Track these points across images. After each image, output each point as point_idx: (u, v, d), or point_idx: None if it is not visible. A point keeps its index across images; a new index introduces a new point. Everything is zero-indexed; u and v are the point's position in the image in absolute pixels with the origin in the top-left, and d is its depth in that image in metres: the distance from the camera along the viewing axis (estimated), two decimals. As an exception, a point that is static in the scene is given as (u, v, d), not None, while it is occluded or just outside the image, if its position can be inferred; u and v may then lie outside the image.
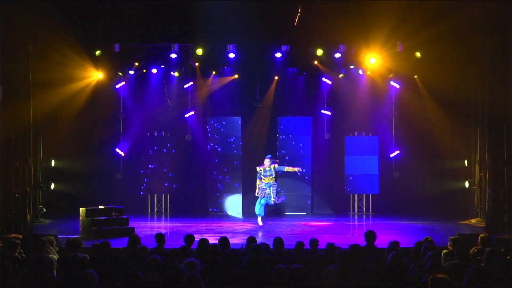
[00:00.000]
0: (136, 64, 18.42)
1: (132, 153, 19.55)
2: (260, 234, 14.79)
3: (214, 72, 19.45)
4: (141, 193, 19.63)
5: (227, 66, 19.19)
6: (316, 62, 18.54)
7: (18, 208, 14.46)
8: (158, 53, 18.27)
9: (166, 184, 19.74)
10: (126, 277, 6.51)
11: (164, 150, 19.74)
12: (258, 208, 15.95)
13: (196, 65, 18.65)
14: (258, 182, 15.95)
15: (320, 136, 19.96)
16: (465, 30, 15.71)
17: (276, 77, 19.74)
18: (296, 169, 16.10)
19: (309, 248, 9.56)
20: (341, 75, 19.33)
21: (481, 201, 17.07)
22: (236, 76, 19.67)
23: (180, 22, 15.94)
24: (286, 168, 16.33)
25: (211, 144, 19.91)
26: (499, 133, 14.94)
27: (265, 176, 15.84)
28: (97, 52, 17.20)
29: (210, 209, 19.71)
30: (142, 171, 19.61)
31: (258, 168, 15.99)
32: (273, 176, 15.84)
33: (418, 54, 17.35)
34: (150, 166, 19.64)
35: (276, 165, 15.96)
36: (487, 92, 15.78)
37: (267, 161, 15.92)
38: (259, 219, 16.07)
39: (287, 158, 19.66)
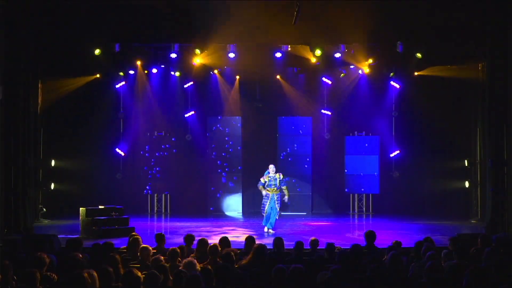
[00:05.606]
0: (137, 63, 18.41)
1: (132, 153, 19.56)
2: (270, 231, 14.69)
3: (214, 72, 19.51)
4: (145, 192, 19.63)
5: (227, 66, 19.19)
6: (315, 62, 18.52)
7: (18, 208, 14.44)
8: (158, 53, 18.27)
9: (166, 184, 19.73)
10: (126, 277, 6.50)
11: (164, 150, 19.74)
12: (265, 220, 14.95)
13: (195, 65, 18.63)
14: (261, 188, 14.96)
15: (320, 136, 19.97)
16: (466, 29, 15.70)
17: (278, 77, 19.75)
18: (286, 196, 14.98)
19: (309, 248, 9.56)
20: (342, 75, 19.36)
21: (481, 201, 17.06)
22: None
23: (180, 22, 15.92)
24: (284, 188, 15.06)
25: (211, 144, 19.91)
26: (499, 133, 14.92)
27: (269, 185, 14.83)
28: (97, 51, 17.17)
29: (210, 209, 19.71)
30: (142, 171, 19.61)
31: (262, 179, 14.92)
32: (277, 186, 14.83)
33: (418, 55, 17.34)
34: (150, 166, 19.64)
35: (282, 176, 14.98)
36: (487, 92, 15.76)
37: (271, 167, 14.91)
38: (270, 229, 14.96)
39: (289, 159, 19.75)
